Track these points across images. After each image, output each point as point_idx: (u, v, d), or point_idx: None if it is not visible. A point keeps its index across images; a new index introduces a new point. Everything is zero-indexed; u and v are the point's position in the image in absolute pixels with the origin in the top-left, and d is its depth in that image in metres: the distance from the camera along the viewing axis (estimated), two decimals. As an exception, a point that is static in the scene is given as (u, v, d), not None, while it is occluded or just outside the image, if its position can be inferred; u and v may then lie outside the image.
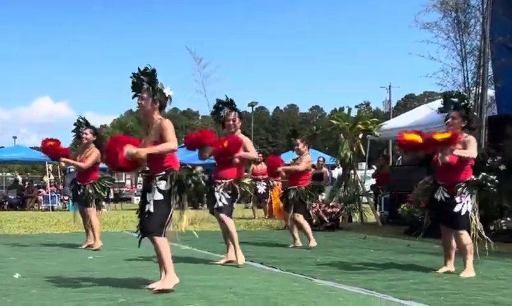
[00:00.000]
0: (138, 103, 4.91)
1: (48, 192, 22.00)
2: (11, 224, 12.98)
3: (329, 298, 4.66)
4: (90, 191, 7.88)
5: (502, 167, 8.74)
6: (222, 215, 6.46)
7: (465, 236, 5.83)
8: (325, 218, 11.18)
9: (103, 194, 8.08)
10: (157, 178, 4.83)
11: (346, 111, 13.90)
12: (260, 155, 14.42)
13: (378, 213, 13.53)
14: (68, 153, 8.13)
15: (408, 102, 58.58)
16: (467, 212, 5.81)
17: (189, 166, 5.02)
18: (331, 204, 11.70)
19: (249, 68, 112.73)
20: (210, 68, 16.53)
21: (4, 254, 7.41)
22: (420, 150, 5.82)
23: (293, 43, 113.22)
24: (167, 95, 4.95)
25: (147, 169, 4.97)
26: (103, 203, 8.31)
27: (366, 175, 16.29)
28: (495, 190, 6.01)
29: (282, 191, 9.16)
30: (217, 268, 6.33)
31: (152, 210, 4.79)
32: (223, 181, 6.45)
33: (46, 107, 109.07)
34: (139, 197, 5.33)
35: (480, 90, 9.86)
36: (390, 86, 53.35)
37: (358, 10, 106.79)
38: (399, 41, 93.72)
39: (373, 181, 15.68)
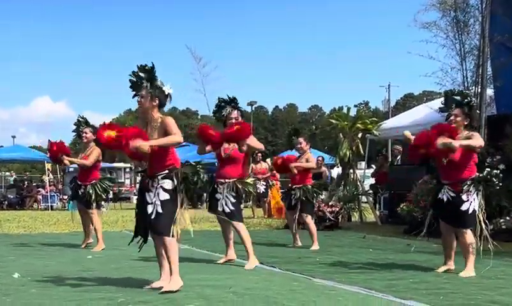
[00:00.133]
0: (138, 100, 4.86)
1: (47, 192, 22.00)
2: (10, 224, 12.98)
3: (328, 297, 4.66)
4: (90, 192, 7.87)
5: (501, 166, 8.73)
6: (234, 223, 6.40)
7: (469, 236, 5.80)
8: (328, 215, 11.22)
9: (103, 195, 8.07)
10: (159, 176, 4.79)
11: (345, 110, 13.90)
12: (259, 154, 14.42)
13: (377, 212, 13.53)
14: (68, 152, 8.12)
15: (408, 102, 58.62)
16: (474, 210, 5.77)
17: (193, 163, 5.00)
18: (330, 203, 11.70)
19: (248, 67, 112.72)
20: (210, 67, 16.49)
21: (4, 254, 7.41)
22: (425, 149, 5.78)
23: (293, 42, 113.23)
24: (167, 93, 4.89)
25: (147, 167, 4.90)
26: (102, 203, 8.29)
27: (365, 174, 16.29)
28: (500, 184, 5.98)
29: (285, 191, 9.06)
30: (216, 268, 6.33)
31: (160, 210, 4.74)
32: (226, 180, 6.38)
33: (45, 106, 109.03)
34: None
35: (479, 90, 9.86)
36: (389, 85, 53.40)
37: (358, 9, 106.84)
38: (399, 40, 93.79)
39: (372, 180, 15.69)
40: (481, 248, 5.81)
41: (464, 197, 5.76)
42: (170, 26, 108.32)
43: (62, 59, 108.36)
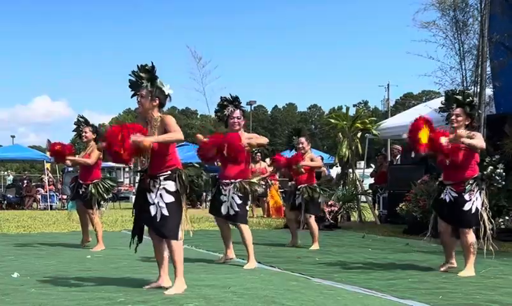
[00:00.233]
0: (138, 100, 4.81)
1: (46, 191, 21.99)
2: (10, 223, 12.97)
3: (327, 297, 4.66)
4: (93, 191, 7.85)
5: (501, 166, 8.74)
6: (240, 225, 6.37)
7: (471, 235, 5.79)
8: (327, 215, 11.24)
9: (105, 195, 8.05)
10: (161, 177, 4.74)
11: (344, 110, 13.91)
12: (259, 154, 14.41)
13: (376, 212, 13.54)
14: (72, 151, 8.09)
15: (407, 101, 58.56)
16: (477, 209, 5.76)
17: (196, 165, 4.98)
18: (329, 203, 11.70)
19: (247, 67, 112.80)
20: (210, 67, 16.44)
21: (3, 253, 7.40)
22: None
23: (292, 41, 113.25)
24: (166, 93, 4.85)
25: (147, 168, 4.84)
26: (102, 202, 8.26)
27: (364, 174, 16.30)
28: (503, 182, 5.96)
29: (287, 191, 8.97)
30: (216, 267, 6.33)
31: (166, 213, 4.70)
32: (232, 181, 6.34)
33: (44, 106, 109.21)
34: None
35: (478, 89, 9.86)
36: (388, 85, 53.35)
37: (357, 9, 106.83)
38: (398, 39, 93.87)
39: (371, 180, 15.70)
40: (485, 248, 5.81)
41: (466, 196, 5.75)
42: (170, 26, 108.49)
43: (61, 58, 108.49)
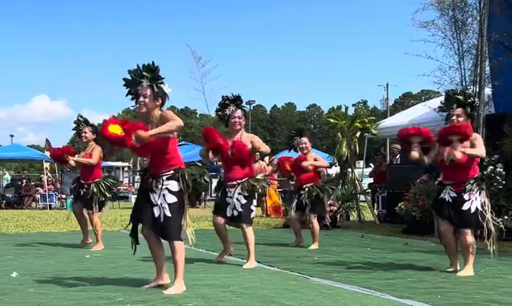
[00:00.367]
0: (140, 100, 4.73)
1: (45, 191, 21.98)
2: (9, 223, 12.96)
3: (326, 296, 4.66)
4: (95, 190, 7.83)
5: (500, 165, 8.74)
6: (244, 226, 6.34)
7: (470, 235, 5.78)
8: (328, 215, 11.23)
9: (107, 194, 8.02)
10: (164, 177, 4.71)
11: (343, 109, 13.92)
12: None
13: (375, 211, 13.54)
14: (73, 152, 8.06)
15: (406, 101, 58.62)
16: (476, 209, 5.75)
17: (199, 164, 4.96)
18: (328, 202, 11.70)
19: (246, 66, 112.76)
20: (210, 66, 16.43)
21: (2, 253, 7.40)
22: (425, 139, 5.77)
23: (291, 41, 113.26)
24: (167, 93, 4.82)
25: (149, 166, 4.80)
26: (105, 202, 8.25)
27: (363, 174, 16.30)
28: (503, 182, 5.95)
29: (290, 191, 8.92)
30: (215, 267, 6.33)
31: (169, 214, 4.67)
32: (238, 182, 6.31)
33: (43, 105, 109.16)
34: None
35: (477, 89, 9.85)
36: (387, 84, 53.36)
37: (356, 9, 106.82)
38: (397, 39, 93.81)
39: (370, 179, 15.70)
40: (492, 248, 5.79)
41: (466, 196, 5.74)
42: (170, 26, 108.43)
43: (60, 58, 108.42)
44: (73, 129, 8.22)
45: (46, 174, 22.73)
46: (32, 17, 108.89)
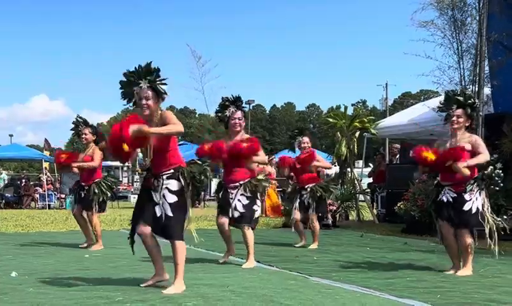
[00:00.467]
0: (143, 103, 4.67)
1: (44, 190, 21.97)
2: (8, 223, 12.96)
3: (325, 295, 4.66)
4: (96, 191, 7.82)
5: (499, 165, 8.74)
6: (244, 227, 6.32)
7: (469, 236, 5.77)
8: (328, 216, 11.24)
9: (109, 193, 8.00)
10: (164, 176, 4.70)
11: (342, 109, 13.93)
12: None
13: (375, 211, 13.55)
14: (76, 157, 8.05)
15: (405, 100, 58.65)
16: (477, 209, 5.74)
17: (199, 162, 4.94)
18: (328, 202, 11.70)
19: (246, 66, 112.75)
20: (209, 66, 16.41)
21: (1, 253, 7.40)
22: (432, 166, 5.86)
23: (291, 41, 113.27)
24: (167, 91, 4.76)
25: (151, 166, 4.77)
26: (106, 201, 8.24)
27: (362, 173, 16.32)
28: (501, 184, 5.96)
29: (290, 191, 8.88)
30: (214, 266, 6.33)
31: (170, 214, 4.66)
32: (240, 183, 6.29)
33: (42, 105, 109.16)
34: (136, 196, 5.23)
35: (476, 89, 9.86)
36: (387, 84, 53.38)
37: (356, 9, 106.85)
38: (396, 39, 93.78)
39: (369, 179, 15.70)
40: (496, 248, 5.78)
41: (467, 196, 5.73)
42: (170, 26, 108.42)
43: (59, 57, 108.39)
44: (71, 130, 8.21)
45: (46, 174, 22.71)
46: (32, 17, 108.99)
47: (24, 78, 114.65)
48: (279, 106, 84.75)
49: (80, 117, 8.14)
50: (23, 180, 25.18)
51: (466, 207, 5.72)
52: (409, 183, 10.57)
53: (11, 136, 54.51)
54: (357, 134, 13.36)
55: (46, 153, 23.72)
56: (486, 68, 10.19)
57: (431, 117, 10.44)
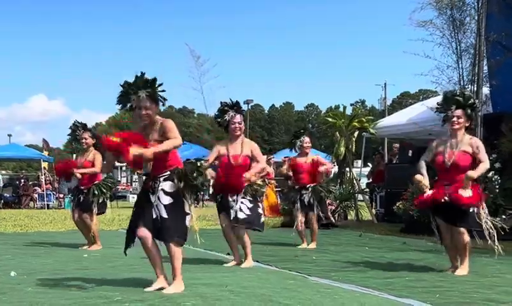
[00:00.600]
0: (143, 113, 4.62)
1: (43, 190, 21.95)
2: (7, 222, 12.96)
3: (324, 295, 4.66)
4: (96, 193, 7.82)
5: (497, 165, 8.76)
6: (248, 230, 6.33)
7: (466, 235, 5.77)
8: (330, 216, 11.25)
9: (108, 193, 8.01)
10: (161, 178, 4.69)
11: (341, 109, 13.95)
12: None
13: (373, 210, 13.56)
14: (76, 165, 8.03)
15: (404, 100, 58.64)
16: (474, 209, 5.75)
17: (193, 161, 4.93)
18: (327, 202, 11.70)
19: (245, 66, 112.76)
20: (208, 65, 16.40)
21: (0, 252, 7.39)
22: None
23: (290, 41, 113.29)
24: (165, 98, 4.72)
25: (149, 169, 4.76)
26: (107, 202, 8.24)
27: (361, 173, 16.32)
28: (497, 189, 5.96)
29: (286, 191, 8.88)
30: (212, 266, 6.34)
31: (165, 215, 4.62)
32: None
33: (41, 105, 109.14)
34: (135, 195, 5.21)
35: (475, 88, 9.87)
36: (385, 84, 53.35)
37: (355, 9, 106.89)
38: (395, 39, 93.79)
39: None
40: (497, 248, 5.78)
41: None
42: (170, 26, 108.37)
43: (58, 57, 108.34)
44: (68, 135, 8.18)
45: (44, 174, 22.69)
46: (32, 17, 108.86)
47: (23, 77, 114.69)
48: (278, 106, 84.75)
49: (79, 122, 8.12)
50: (22, 180, 25.16)
51: (464, 206, 5.71)
52: (408, 182, 10.55)
53: (9, 135, 54.67)
54: (356, 133, 13.37)
55: (45, 153, 23.70)
56: (485, 68, 10.20)
57: (429, 117, 10.43)
